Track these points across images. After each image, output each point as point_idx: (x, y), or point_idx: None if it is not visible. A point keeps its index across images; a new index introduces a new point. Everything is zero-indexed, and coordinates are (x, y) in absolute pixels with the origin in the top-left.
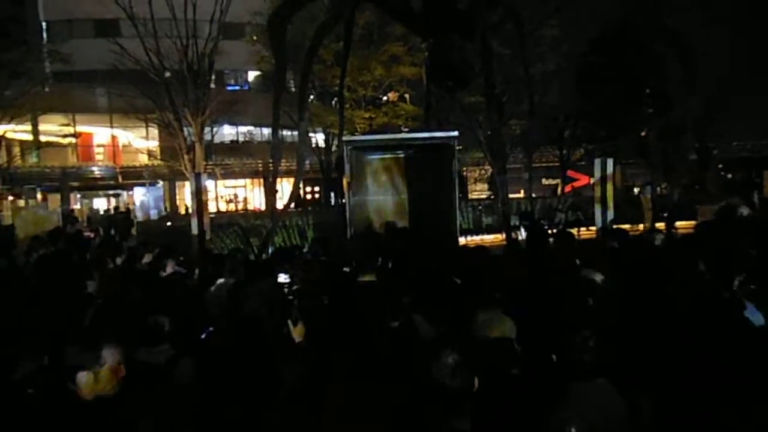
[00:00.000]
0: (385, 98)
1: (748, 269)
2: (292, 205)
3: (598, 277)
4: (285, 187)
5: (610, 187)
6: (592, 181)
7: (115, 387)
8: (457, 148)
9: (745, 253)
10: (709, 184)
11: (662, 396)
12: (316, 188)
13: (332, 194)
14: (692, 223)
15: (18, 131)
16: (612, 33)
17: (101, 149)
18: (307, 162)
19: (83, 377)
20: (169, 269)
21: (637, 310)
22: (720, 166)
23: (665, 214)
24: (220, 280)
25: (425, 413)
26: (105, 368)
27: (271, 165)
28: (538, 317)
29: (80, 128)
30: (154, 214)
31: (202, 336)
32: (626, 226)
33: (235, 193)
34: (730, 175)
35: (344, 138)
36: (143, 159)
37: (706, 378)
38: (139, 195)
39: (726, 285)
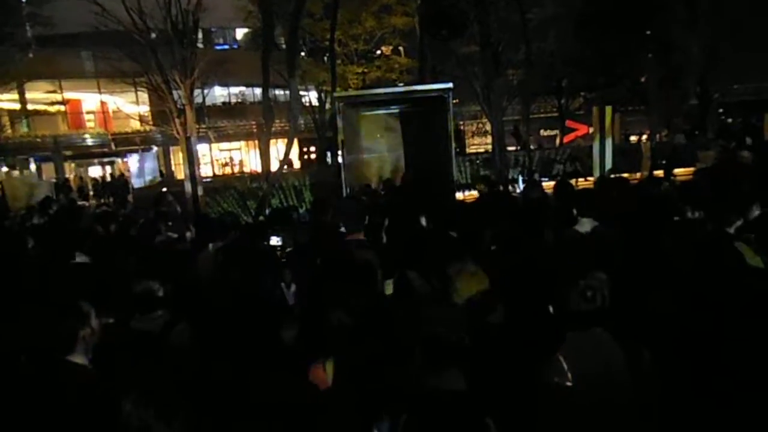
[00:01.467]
0: (378, 52)
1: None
2: (286, 166)
3: (590, 225)
4: (280, 148)
5: (608, 137)
6: (591, 130)
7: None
8: (454, 101)
9: (745, 198)
10: (708, 129)
11: (661, 346)
12: (312, 148)
13: (328, 153)
14: (691, 169)
15: (4, 100)
16: None
17: (91, 116)
18: (301, 121)
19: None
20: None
21: (635, 259)
22: (720, 110)
23: (664, 161)
24: (212, 245)
25: (417, 370)
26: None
27: (264, 126)
28: (534, 269)
29: (68, 95)
30: (148, 181)
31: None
32: (625, 175)
33: (230, 156)
34: (730, 120)
35: (336, 94)
36: (135, 125)
37: (705, 326)
38: (134, 162)
39: (723, 231)
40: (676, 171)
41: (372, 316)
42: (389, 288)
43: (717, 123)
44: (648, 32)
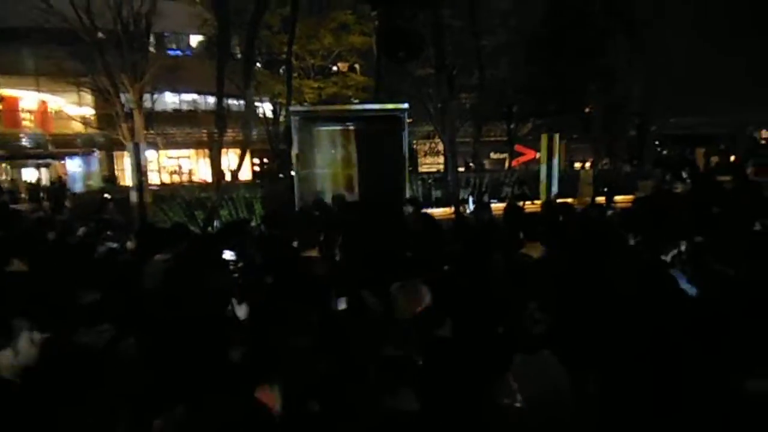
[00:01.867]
0: (334, 68)
1: (682, 241)
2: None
3: (538, 249)
4: (231, 158)
5: (555, 162)
6: (538, 155)
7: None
8: (408, 120)
9: (680, 227)
10: (645, 160)
11: (605, 369)
12: (264, 159)
13: (281, 166)
14: (630, 197)
15: None
16: (561, 7)
17: (28, 115)
18: (254, 132)
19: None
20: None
21: (580, 284)
22: (656, 142)
23: (605, 189)
24: (158, 256)
25: (370, 389)
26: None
27: (216, 135)
28: (482, 289)
29: (4, 91)
30: (90, 184)
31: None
32: (569, 200)
33: (179, 164)
34: (665, 152)
35: (292, 108)
36: (77, 127)
37: (645, 350)
38: (74, 165)
39: (659, 259)
40: (617, 198)
41: (325, 335)
42: (342, 306)
43: (653, 154)
44: (594, 62)
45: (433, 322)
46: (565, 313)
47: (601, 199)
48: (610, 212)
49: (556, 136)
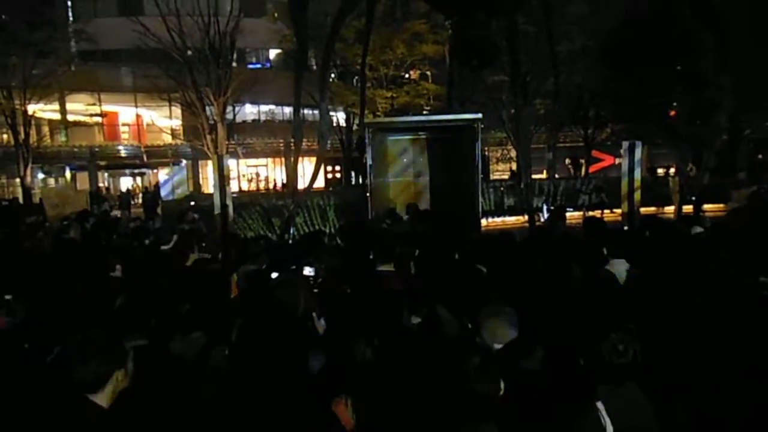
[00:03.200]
0: (407, 77)
1: None
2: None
3: (624, 267)
4: (306, 167)
5: (638, 171)
6: (617, 161)
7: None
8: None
9: None
10: (738, 165)
11: (695, 402)
12: (337, 168)
13: (353, 174)
14: (721, 206)
15: (46, 110)
16: (642, 8)
17: (126, 128)
18: (328, 142)
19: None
20: (193, 255)
21: (668, 308)
22: (751, 146)
23: (693, 198)
24: (243, 267)
25: (452, 419)
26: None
27: (292, 144)
28: (562, 314)
29: (106, 107)
30: (178, 194)
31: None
32: (652, 209)
33: (257, 172)
34: (761, 156)
35: (366, 120)
36: (167, 138)
37: (743, 383)
38: (163, 174)
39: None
40: (705, 207)
41: (397, 354)
42: (416, 322)
43: (747, 159)
44: (679, 63)
45: (522, 354)
46: (650, 339)
47: (688, 209)
48: (699, 229)
49: (639, 143)
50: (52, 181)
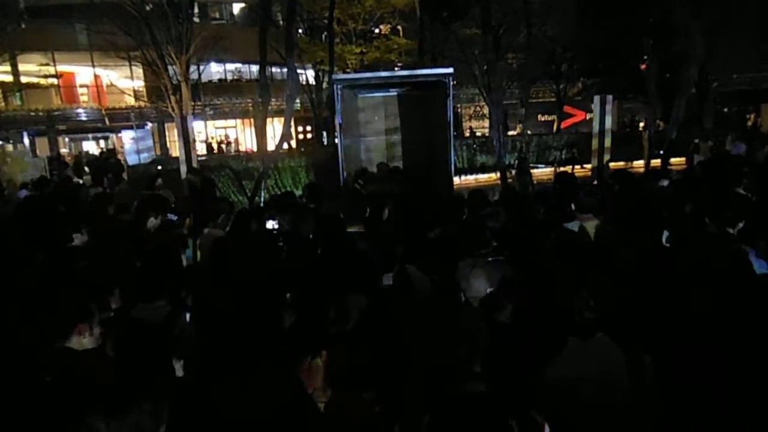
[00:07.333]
0: (377, 31)
1: (747, 215)
2: (284, 146)
3: (593, 223)
4: (276, 127)
5: (608, 125)
6: (588, 116)
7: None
8: (452, 84)
9: (744, 198)
10: (705, 118)
11: (663, 351)
12: (308, 128)
13: (324, 133)
14: (684, 159)
15: None
16: None
17: (85, 90)
18: (298, 101)
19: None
20: (154, 221)
21: (637, 261)
22: (717, 99)
23: (661, 152)
24: (207, 229)
25: (441, 378)
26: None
27: (260, 104)
28: (533, 270)
29: (61, 68)
30: (144, 158)
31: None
32: (621, 164)
33: (226, 134)
34: (726, 109)
35: (334, 76)
36: (129, 100)
37: (710, 331)
38: (128, 138)
39: (726, 233)
40: (673, 160)
41: (371, 315)
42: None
43: (713, 112)
44: (648, 15)
45: (497, 307)
46: (620, 292)
47: (656, 163)
48: (666, 183)
49: (609, 98)
50: (10, 147)
